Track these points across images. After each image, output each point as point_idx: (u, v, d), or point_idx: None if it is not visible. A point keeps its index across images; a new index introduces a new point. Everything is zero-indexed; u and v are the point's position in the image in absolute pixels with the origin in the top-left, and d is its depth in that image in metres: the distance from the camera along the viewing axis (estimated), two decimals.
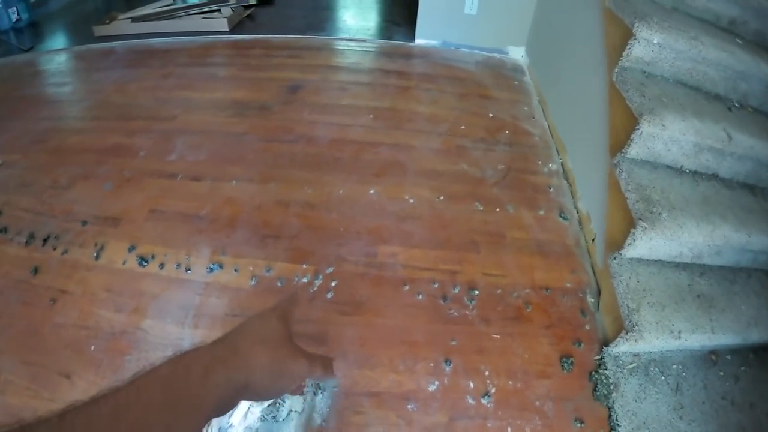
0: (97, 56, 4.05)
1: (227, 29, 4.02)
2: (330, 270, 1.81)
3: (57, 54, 4.15)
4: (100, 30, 4.43)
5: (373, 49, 3.71)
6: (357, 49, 3.72)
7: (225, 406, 0.43)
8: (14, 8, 5.41)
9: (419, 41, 3.80)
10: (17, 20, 5.34)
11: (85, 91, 3.41)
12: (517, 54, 3.63)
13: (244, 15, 4.29)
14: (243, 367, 0.44)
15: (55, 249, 1.99)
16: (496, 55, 3.66)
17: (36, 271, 1.90)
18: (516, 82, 3.36)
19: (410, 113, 2.93)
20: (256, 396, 0.48)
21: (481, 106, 3.03)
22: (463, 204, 2.16)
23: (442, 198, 2.19)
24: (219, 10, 4.38)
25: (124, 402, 0.34)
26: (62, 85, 3.48)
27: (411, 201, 2.16)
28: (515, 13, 3.43)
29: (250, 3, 4.37)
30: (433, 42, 3.80)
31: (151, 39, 4.16)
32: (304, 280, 1.77)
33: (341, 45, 3.79)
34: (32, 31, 5.24)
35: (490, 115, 2.93)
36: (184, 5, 4.56)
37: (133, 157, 2.53)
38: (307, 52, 3.63)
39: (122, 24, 4.38)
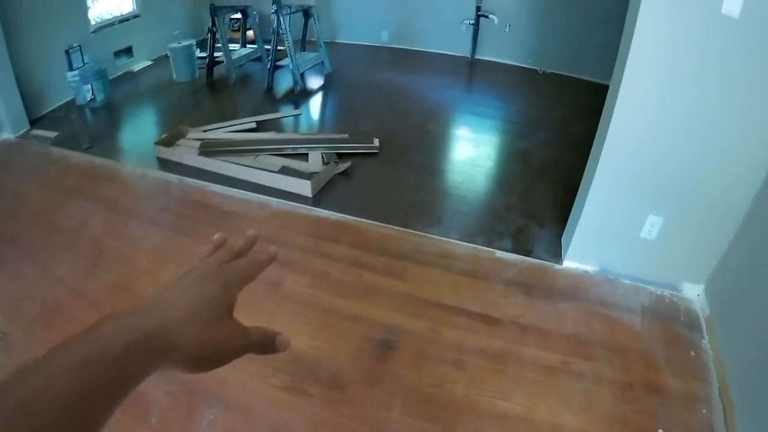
0: (143, 193, 3.47)
1: (310, 195, 3.14)
2: None
3: (104, 169, 3.72)
4: (161, 151, 3.72)
5: (505, 274, 2.68)
6: (481, 272, 2.72)
7: (142, 380, 0.37)
8: (89, 86, 5.09)
9: (569, 264, 2.76)
10: (91, 99, 5.15)
11: (112, 256, 2.78)
12: (692, 292, 2.61)
13: (339, 171, 3.44)
14: (171, 343, 0.38)
15: None
16: (666, 293, 2.62)
17: None
18: (692, 353, 2.28)
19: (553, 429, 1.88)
20: (181, 371, 0.40)
21: (649, 415, 1.97)
22: None
23: None
24: (306, 155, 3.59)
25: (33, 391, 0.31)
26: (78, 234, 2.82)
27: None
28: (703, 243, 2.46)
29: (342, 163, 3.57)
30: (587, 268, 2.75)
31: (213, 184, 3.42)
32: None
33: (460, 256, 2.80)
34: (103, 117, 5.00)
35: None
36: (260, 140, 3.81)
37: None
38: (412, 267, 2.68)
39: (185, 152, 3.66)
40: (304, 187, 3.19)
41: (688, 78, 2.05)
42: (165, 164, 3.73)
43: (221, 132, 4.04)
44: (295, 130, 4.23)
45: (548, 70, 5.55)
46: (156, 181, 3.66)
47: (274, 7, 4.73)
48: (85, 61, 5.16)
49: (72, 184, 3.69)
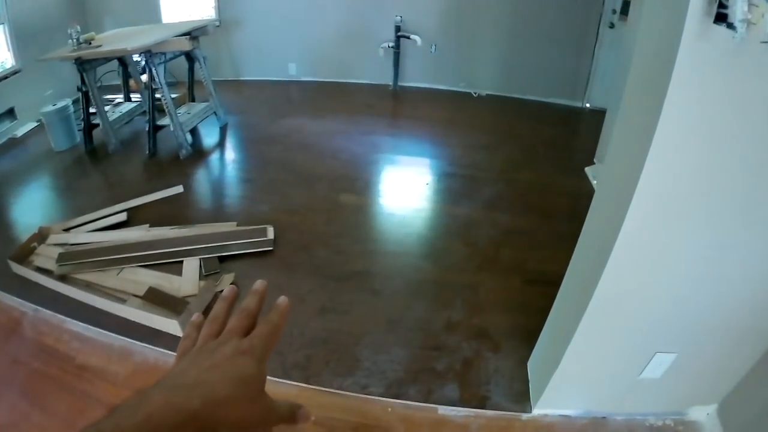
0: None
1: (180, 334, 2.35)
2: None
3: None
4: (16, 267, 2.96)
5: None
6: None
7: None
8: None
9: (541, 411, 2.02)
10: None
11: None
12: (701, 414, 2.09)
13: (220, 289, 2.75)
14: (214, 423, 0.39)
15: None
16: (669, 421, 2.06)
17: None
18: None
19: None
20: None
21: None
22: None
23: None
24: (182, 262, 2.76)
25: None
26: None
27: None
28: (720, 370, 1.95)
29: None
30: (566, 412, 2.08)
31: (69, 320, 2.76)
32: None
33: (388, 424, 2.08)
34: None
35: None
36: (126, 244, 2.96)
37: None
38: None
39: (43, 267, 3.01)
40: (173, 327, 2.36)
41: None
42: (22, 283, 3.02)
43: (85, 231, 3.23)
44: (177, 216, 3.32)
45: (484, 93, 4.66)
46: (7, 315, 2.87)
47: (142, 57, 3.77)
48: None
49: None
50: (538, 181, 2.83)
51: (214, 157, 4.33)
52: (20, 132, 5.15)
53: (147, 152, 4.24)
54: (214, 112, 4.52)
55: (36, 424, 2.37)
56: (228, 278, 2.76)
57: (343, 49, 5.14)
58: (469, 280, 2.66)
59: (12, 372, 2.66)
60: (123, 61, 4.81)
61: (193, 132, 4.49)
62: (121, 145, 4.46)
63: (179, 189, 3.64)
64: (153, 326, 2.58)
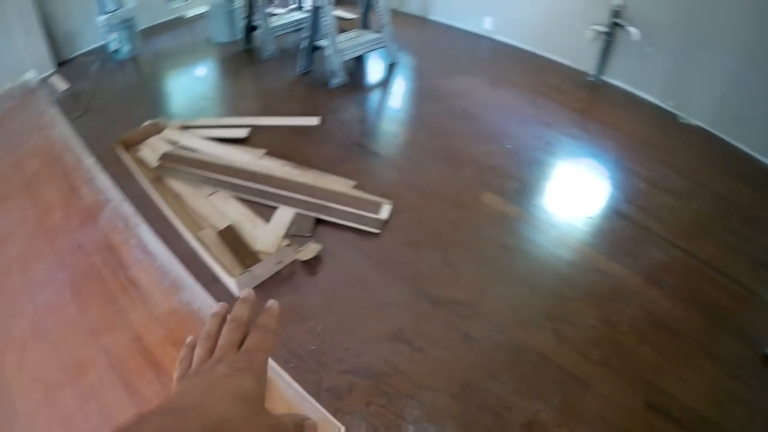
0: (74, 213, 2.56)
1: (236, 293, 2.15)
2: None
3: (66, 156, 2.79)
4: (121, 152, 2.85)
5: None
6: None
7: None
8: (115, 35, 4.37)
9: None
10: (115, 50, 4.62)
11: None
12: None
13: (300, 257, 2.35)
14: None
15: None
16: None
17: None
18: None
19: None
20: None
21: None
22: None
23: None
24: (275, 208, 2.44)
25: None
26: None
27: None
28: None
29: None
30: None
31: (143, 226, 2.45)
32: None
33: None
34: (115, 76, 4.37)
35: None
36: (230, 167, 2.68)
37: None
38: None
39: (144, 159, 2.79)
40: (230, 282, 2.05)
41: None
42: (120, 171, 2.86)
43: (200, 136, 3.04)
44: (297, 151, 2.99)
45: (693, 122, 3.58)
46: (94, 197, 2.76)
47: None
48: (118, 5, 4.41)
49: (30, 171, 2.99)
50: (720, 266, 2.06)
51: (366, 96, 3.88)
52: (189, 13, 5.22)
53: (298, 70, 3.97)
54: (384, 47, 4.07)
55: (67, 317, 2.21)
56: (312, 249, 2.35)
57: (547, 17, 4.25)
58: (583, 371, 1.96)
59: (72, 257, 2.53)
60: None
61: (358, 61, 4.11)
62: (276, 54, 4.27)
63: (314, 121, 3.28)
64: (213, 270, 2.28)
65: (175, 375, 0.46)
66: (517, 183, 2.88)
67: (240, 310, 0.48)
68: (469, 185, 2.84)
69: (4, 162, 3.58)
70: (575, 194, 2.84)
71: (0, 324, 2.50)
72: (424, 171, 2.93)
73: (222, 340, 0.46)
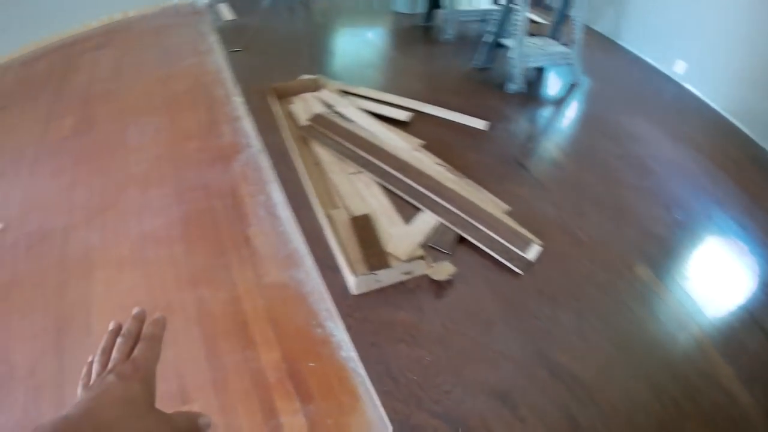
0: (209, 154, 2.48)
1: (353, 291, 1.93)
2: None
3: (213, 88, 2.76)
4: (270, 99, 2.67)
5: None
6: None
7: None
8: None
9: None
10: None
11: None
12: None
13: (431, 274, 2.08)
14: None
15: None
16: None
17: None
18: None
19: None
20: None
21: None
22: None
23: None
24: (418, 210, 2.14)
25: None
26: None
27: None
28: None
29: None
30: None
31: (272, 185, 2.38)
32: None
33: None
34: (271, 18, 4.30)
35: None
36: (382, 151, 2.42)
37: None
38: None
39: (294, 114, 2.55)
40: (350, 278, 1.82)
41: None
42: (268, 118, 2.77)
43: (357, 107, 2.80)
44: (456, 152, 2.70)
45: None
46: (237, 140, 2.65)
47: None
48: None
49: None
50: None
51: (539, 112, 3.48)
52: None
53: (474, 63, 3.65)
54: (570, 64, 3.66)
55: (170, 255, 2.14)
56: (447, 270, 2.02)
57: (752, 82, 3.63)
58: None
59: (193, 194, 2.41)
60: None
61: (538, 71, 3.74)
62: (455, 39, 3.99)
63: (482, 125, 2.95)
64: (335, 258, 2.02)
65: (78, 390, 0.51)
66: (677, 263, 2.40)
67: (130, 326, 0.56)
68: (626, 249, 2.40)
69: (152, 75, 3.58)
70: (729, 297, 2.31)
71: (102, 238, 2.39)
72: (583, 217, 2.52)
73: (114, 353, 0.53)
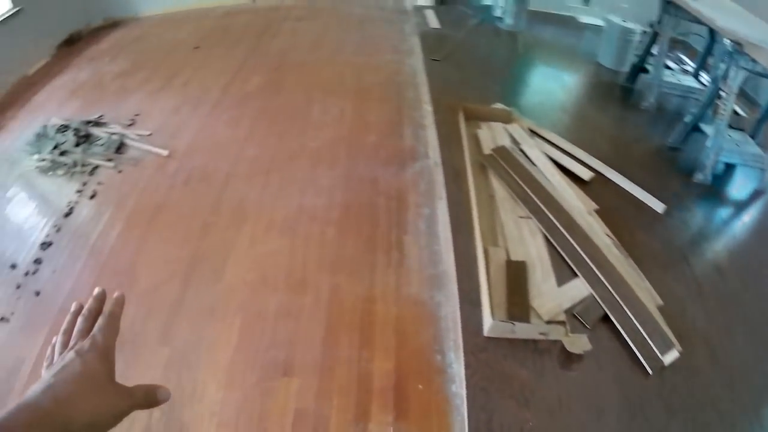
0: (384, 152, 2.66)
1: (483, 333, 1.81)
2: None
3: (402, 89, 2.94)
4: (460, 118, 2.72)
5: None
6: None
7: None
8: (506, 2, 4.30)
9: None
10: (499, 17, 4.58)
11: None
12: None
13: (567, 344, 2.03)
14: (67, 418, 0.46)
15: None
16: None
17: None
18: None
19: None
20: None
21: None
22: None
23: None
24: (572, 272, 2.12)
25: None
26: None
27: None
28: None
29: None
30: None
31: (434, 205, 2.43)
32: None
33: None
34: (487, 39, 4.35)
35: None
36: (557, 203, 2.39)
37: None
38: None
39: (481, 137, 2.66)
40: (486, 318, 1.84)
41: None
42: (453, 136, 2.79)
43: (542, 150, 2.78)
44: (628, 229, 2.57)
45: None
46: (413, 144, 2.74)
47: (725, 44, 3.00)
48: None
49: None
50: None
51: (720, 210, 3.23)
52: (584, 18, 4.98)
53: (669, 140, 3.45)
54: (762, 169, 3.34)
55: (320, 236, 2.23)
56: (582, 344, 1.93)
57: None
58: None
59: (360, 184, 2.55)
60: (713, 34, 3.88)
61: (729, 168, 3.47)
62: (653, 108, 3.80)
63: (659, 207, 2.78)
64: (479, 294, 2.00)
65: (43, 371, 0.52)
66: None
67: (90, 305, 0.59)
68: (764, 385, 2.15)
69: (348, 60, 3.75)
70: None
71: (260, 196, 2.55)
72: (730, 336, 2.28)
73: (74, 332, 0.56)
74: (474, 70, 3.73)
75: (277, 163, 2.71)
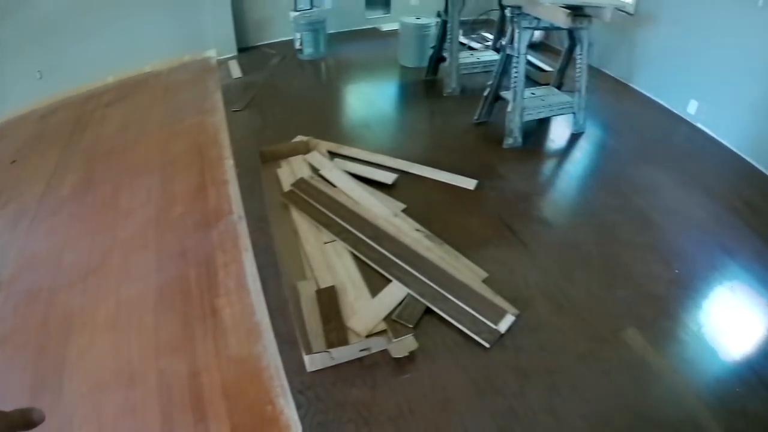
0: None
1: (307, 368, 1.88)
2: None
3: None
4: (261, 164, 2.80)
5: None
6: None
7: None
8: (303, 34, 4.55)
9: None
10: (299, 49, 4.86)
11: None
12: None
13: (394, 352, 2.13)
14: None
15: None
16: None
17: None
18: None
19: None
20: None
21: None
22: None
23: None
24: (390, 281, 2.22)
25: None
26: None
27: None
28: None
29: None
30: None
31: (247, 255, 2.40)
32: None
33: None
34: (287, 77, 4.52)
35: None
36: (360, 216, 2.54)
37: None
38: None
39: (281, 177, 2.71)
40: (304, 355, 1.87)
41: None
42: (254, 183, 2.87)
43: (343, 169, 2.92)
44: (436, 216, 2.82)
45: None
46: (217, 204, 2.74)
47: (509, 11, 3.35)
48: (313, 5, 4.52)
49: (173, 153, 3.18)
50: None
51: (537, 167, 3.48)
52: (385, 27, 5.27)
53: (474, 118, 3.73)
54: (573, 113, 3.68)
55: (140, 324, 2.13)
56: (408, 346, 2.03)
57: None
58: None
59: (171, 262, 2.39)
60: (501, 6, 4.25)
61: (541, 123, 3.78)
62: (458, 92, 4.08)
63: (470, 184, 2.99)
64: (296, 331, 2.09)
65: None
66: (672, 324, 2.32)
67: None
68: (615, 313, 2.34)
69: (155, 135, 3.75)
70: (732, 356, 2.21)
71: (81, 303, 2.51)
72: (570, 281, 2.49)
73: None
74: (276, 110, 3.85)
75: (93, 264, 2.67)
